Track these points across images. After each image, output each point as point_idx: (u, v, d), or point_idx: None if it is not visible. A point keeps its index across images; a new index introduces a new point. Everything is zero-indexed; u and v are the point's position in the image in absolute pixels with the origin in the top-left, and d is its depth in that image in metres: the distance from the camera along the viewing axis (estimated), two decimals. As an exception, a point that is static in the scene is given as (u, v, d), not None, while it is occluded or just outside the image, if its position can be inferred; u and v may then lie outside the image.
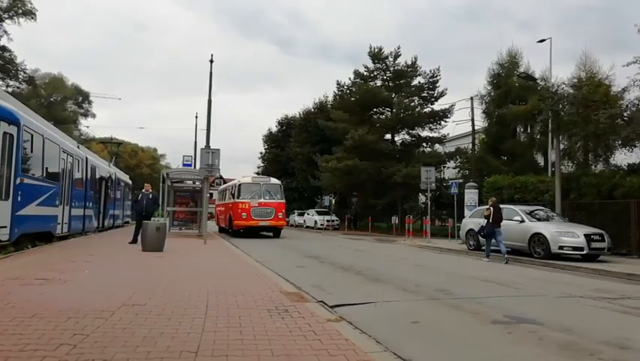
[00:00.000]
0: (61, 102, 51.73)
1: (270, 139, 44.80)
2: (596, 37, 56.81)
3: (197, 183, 20.38)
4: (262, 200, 20.36)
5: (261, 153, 46.14)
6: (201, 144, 32.08)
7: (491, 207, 12.74)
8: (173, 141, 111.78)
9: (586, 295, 7.20)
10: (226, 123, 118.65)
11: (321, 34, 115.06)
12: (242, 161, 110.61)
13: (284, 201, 21.66)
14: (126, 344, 3.47)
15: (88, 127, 54.04)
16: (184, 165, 29.70)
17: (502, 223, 12.81)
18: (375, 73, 31.57)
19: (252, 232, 21.18)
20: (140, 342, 3.54)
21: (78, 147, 17.05)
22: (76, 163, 15.51)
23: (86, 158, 17.36)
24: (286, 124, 43.24)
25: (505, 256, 12.25)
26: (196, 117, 36.11)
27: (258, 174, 37.03)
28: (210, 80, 20.83)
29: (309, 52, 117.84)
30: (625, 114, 15.54)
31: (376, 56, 30.93)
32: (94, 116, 55.32)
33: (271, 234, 21.94)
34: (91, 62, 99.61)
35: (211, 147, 16.86)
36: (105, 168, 22.08)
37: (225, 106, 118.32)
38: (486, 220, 12.83)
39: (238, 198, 20.46)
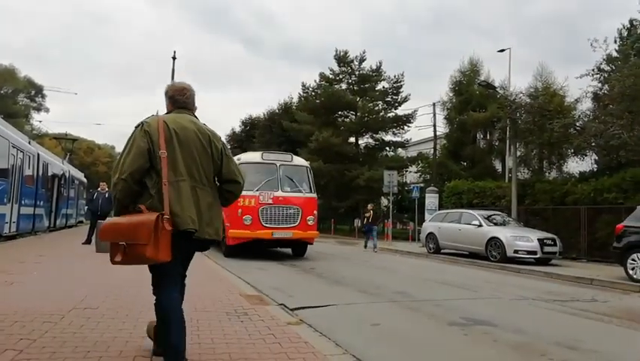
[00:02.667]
0: (12, 95, 49.45)
1: (233, 139, 44.30)
2: (554, 50, 59.40)
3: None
4: (280, 193, 11.56)
5: (223, 153, 45.44)
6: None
7: (371, 211, 17.14)
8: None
9: (538, 298, 7.45)
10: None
11: (288, 35, 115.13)
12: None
13: (315, 195, 12.48)
14: (76, 349, 3.32)
15: (40, 122, 51.71)
16: None
17: (460, 227, 14.20)
18: (341, 76, 31.80)
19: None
20: (91, 347, 3.39)
21: (29, 143, 16.30)
22: (26, 159, 14.83)
23: (38, 154, 16.63)
24: (250, 124, 42.89)
25: (375, 249, 16.53)
26: (157, 114, 35.21)
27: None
28: (172, 77, 20.41)
29: (275, 52, 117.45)
30: (577, 124, 16.26)
31: (342, 59, 31.17)
32: (47, 110, 53.24)
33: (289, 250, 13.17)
34: (46, 55, 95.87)
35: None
36: (58, 165, 21.21)
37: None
38: (366, 220, 16.97)
39: None
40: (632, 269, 9.35)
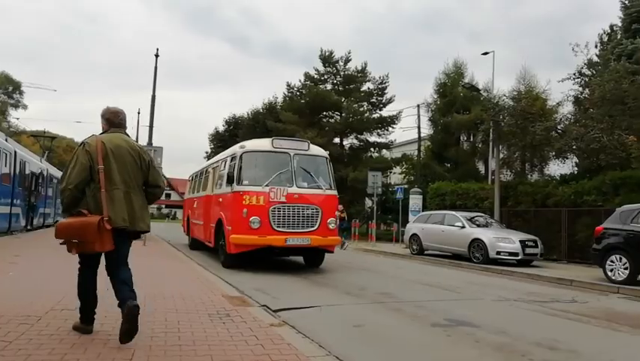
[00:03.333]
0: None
1: (217, 138, 44.02)
2: (538, 53, 60.23)
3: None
4: (294, 189, 9.22)
5: (207, 153, 45.25)
6: (143, 141, 30.95)
7: (343, 210, 18.46)
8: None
9: (520, 299, 7.53)
10: (170, 121, 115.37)
11: (275, 35, 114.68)
12: (186, 160, 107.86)
13: (336, 192, 10.17)
14: (53, 352, 3.25)
15: (18, 119, 50.61)
16: None
17: (443, 229, 14.39)
18: (326, 76, 31.79)
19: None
20: (68, 349, 3.32)
21: (6, 140, 15.93)
22: (2, 157, 14.50)
23: (15, 152, 16.24)
24: (234, 123, 42.67)
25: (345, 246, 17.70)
26: (138, 113, 34.75)
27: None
28: (155, 75, 20.11)
29: (261, 51, 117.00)
30: (559, 127, 16.51)
31: (327, 59, 31.17)
32: (25, 107, 51.99)
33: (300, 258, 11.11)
34: (26, 52, 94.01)
35: (153, 145, 16.31)
36: (36, 163, 20.76)
37: (170, 103, 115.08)
38: (339, 220, 19.01)
39: (239, 183, 9.27)
40: (611, 271, 9.51)
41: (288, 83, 32.75)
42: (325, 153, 10.55)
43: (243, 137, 37.98)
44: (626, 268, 9.25)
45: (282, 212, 8.95)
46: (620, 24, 21.06)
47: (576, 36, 73.28)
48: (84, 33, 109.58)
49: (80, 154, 3.51)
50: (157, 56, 20.05)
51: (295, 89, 32.53)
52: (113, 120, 3.80)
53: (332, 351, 3.76)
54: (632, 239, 9.29)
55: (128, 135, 3.86)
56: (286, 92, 33.46)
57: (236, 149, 9.96)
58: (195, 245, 13.74)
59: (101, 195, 3.43)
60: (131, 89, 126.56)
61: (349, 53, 31.01)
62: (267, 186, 9.01)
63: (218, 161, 11.70)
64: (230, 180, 9.34)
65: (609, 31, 22.78)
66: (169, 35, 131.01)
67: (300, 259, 11.14)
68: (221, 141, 42.66)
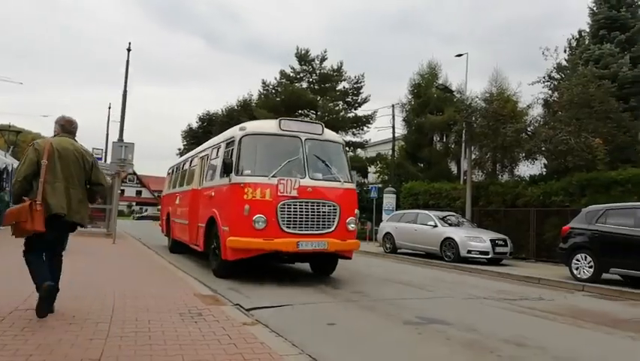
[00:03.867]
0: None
1: (190, 135, 43.54)
2: (510, 56, 61.48)
3: (107, 178, 18.60)
4: (307, 181, 7.66)
5: (179, 150, 44.67)
6: (114, 136, 30.29)
7: None
8: (82, 132, 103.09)
9: (489, 297, 7.69)
10: (143, 117, 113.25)
11: (250, 31, 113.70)
12: (158, 157, 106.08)
13: (355, 186, 8.65)
14: (17, 353, 3.15)
15: (-19, 112, 48.87)
16: None
17: (416, 228, 14.57)
18: (302, 75, 31.79)
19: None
20: (33, 350, 3.22)
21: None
22: (-35, 151, 13.96)
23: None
24: (207, 120, 42.29)
25: None
26: (109, 108, 34.07)
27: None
28: (127, 70, 19.71)
29: (236, 48, 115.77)
30: (529, 129, 16.91)
31: (303, 57, 31.17)
32: (-11, 101, 50.20)
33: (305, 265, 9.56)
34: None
35: (124, 141, 15.96)
36: (0, 158, 20.09)
37: (142, 99, 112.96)
38: None
39: (239, 173, 7.64)
40: (577, 269, 9.81)
41: (263, 80, 32.67)
42: (341, 139, 9.08)
43: (217, 134, 37.62)
44: (590, 267, 9.55)
45: (293, 209, 7.33)
46: (588, 30, 21.70)
47: (546, 40, 75.14)
48: (54, 25, 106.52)
49: (30, 152, 4.11)
50: (129, 50, 19.66)
51: (270, 86, 32.44)
52: (66, 127, 4.47)
53: (305, 350, 3.76)
54: (596, 238, 9.59)
55: (75, 141, 4.49)
56: (261, 90, 33.36)
57: (234, 131, 8.21)
58: (177, 248, 12.01)
59: (43, 185, 4.02)
60: (103, 83, 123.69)
61: (325, 52, 31.13)
62: (274, 177, 7.37)
63: (208, 148, 9.80)
64: (227, 170, 7.60)
65: (578, 36, 23.46)
66: (142, 30, 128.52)
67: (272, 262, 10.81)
68: (194, 137, 42.21)
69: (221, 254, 7.65)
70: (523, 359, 4.11)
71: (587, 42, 21.36)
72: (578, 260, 9.83)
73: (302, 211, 7.41)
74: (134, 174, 70.03)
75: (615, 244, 9.26)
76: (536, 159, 18.14)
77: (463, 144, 19.78)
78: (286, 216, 7.30)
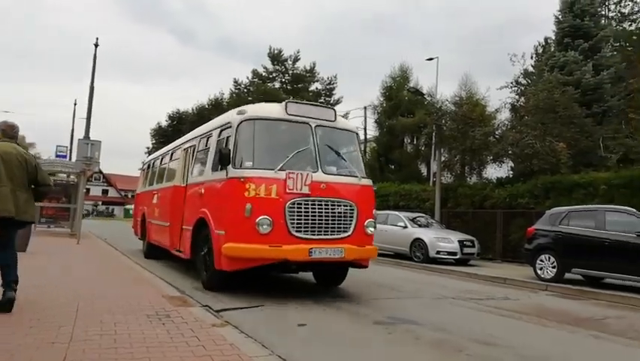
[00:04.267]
0: None
1: (159, 133, 42.79)
2: (479, 61, 62.86)
3: (72, 176, 17.92)
4: (320, 175, 6.42)
5: (148, 148, 43.87)
6: (80, 134, 29.49)
7: None
8: (46, 128, 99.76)
9: (457, 297, 7.82)
10: (110, 114, 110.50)
11: (222, 30, 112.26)
12: (126, 155, 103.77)
13: (371, 182, 7.46)
14: (-27, 358, 3.00)
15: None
16: (57, 156, 26.80)
17: (386, 228, 14.43)
18: (274, 75, 31.72)
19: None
20: (-9, 355, 3.08)
21: None
22: None
23: None
24: (178, 119, 41.64)
25: None
26: (75, 105, 32.98)
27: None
28: (94, 66, 19.22)
29: (209, 46, 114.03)
30: (496, 133, 17.33)
31: (276, 57, 31.11)
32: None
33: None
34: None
35: (91, 138, 15.54)
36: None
37: (110, 95, 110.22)
38: None
39: (239, 165, 6.36)
40: (541, 269, 10.08)
41: (235, 79, 32.50)
42: (355, 128, 7.92)
43: (187, 132, 37.06)
44: (554, 267, 9.83)
45: (304, 209, 6.14)
46: (553, 37, 22.40)
47: (514, 47, 77.28)
48: (18, 17, 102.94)
49: None
50: (96, 45, 19.18)
51: (242, 86, 32.26)
52: (8, 132, 4.68)
53: (275, 351, 3.73)
54: (559, 240, 9.89)
55: (18, 145, 4.70)
56: (233, 89, 33.14)
57: (231, 116, 7.02)
58: (153, 253, 10.54)
59: None
60: (68, 79, 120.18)
61: (298, 53, 31.18)
62: (281, 170, 6.15)
63: (195, 138, 8.54)
64: (223, 162, 6.31)
65: (544, 43, 24.20)
66: (111, 25, 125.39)
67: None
68: (163, 136, 41.53)
69: (213, 263, 6.38)
70: (492, 358, 4.19)
71: (552, 49, 22.05)
72: (542, 261, 10.11)
73: (314, 212, 6.19)
74: (101, 172, 68.32)
75: (577, 245, 9.57)
76: (503, 162, 18.62)
77: (433, 147, 20.10)
78: (296, 217, 6.09)
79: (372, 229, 6.83)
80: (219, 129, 7.21)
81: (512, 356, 4.27)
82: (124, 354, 3.30)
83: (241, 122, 6.57)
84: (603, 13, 22.88)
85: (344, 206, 6.47)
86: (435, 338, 4.79)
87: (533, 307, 7.23)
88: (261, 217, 5.95)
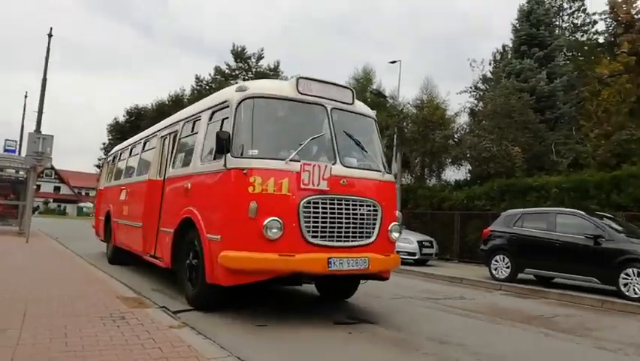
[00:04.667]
0: None
1: (116, 129, 41.58)
2: (440, 65, 64.25)
3: (21, 172, 17.07)
4: (339, 168, 5.33)
5: (104, 144, 42.56)
6: (30, 127, 28.27)
7: None
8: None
9: (415, 296, 7.98)
10: (63, 107, 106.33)
11: (184, 24, 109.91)
12: (80, 151, 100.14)
13: (393, 179, 6.30)
14: None
15: None
16: (6, 150, 25.54)
17: None
18: (237, 72, 31.40)
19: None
20: None
21: None
22: None
23: None
24: (136, 114, 40.56)
25: None
26: (25, 97, 31.51)
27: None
28: (47, 57, 18.45)
29: (170, 40, 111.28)
30: (455, 136, 17.80)
31: (239, 54, 30.82)
32: None
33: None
34: None
35: (42, 133, 14.90)
36: None
37: (64, 88, 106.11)
38: None
39: (240, 154, 5.12)
40: (495, 269, 10.41)
41: (197, 75, 32.02)
42: (373, 113, 6.68)
43: (146, 128, 36.19)
44: (508, 267, 10.18)
45: (322, 209, 5.06)
46: (511, 45, 23.19)
47: (474, 52, 79.54)
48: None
49: None
50: (50, 36, 18.43)
51: (204, 82, 31.79)
52: None
53: (234, 352, 3.68)
54: (514, 241, 10.25)
55: None
56: (195, 85, 32.63)
57: (228, 93, 5.80)
58: (120, 257, 9.24)
59: None
60: (18, 69, 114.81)
61: (262, 50, 31.00)
62: (293, 160, 5.05)
63: (177, 122, 7.19)
64: (220, 149, 5.06)
65: (502, 50, 25.02)
66: (65, 13, 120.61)
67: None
68: (120, 132, 40.41)
69: (204, 276, 5.25)
70: (447, 356, 4.28)
71: (509, 56, 22.83)
72: (496, 261, 10.44)
73: (334, 213, 5.12)
74: (53, 168, 65.68)
75: (529, 246, 9.94)
76: (462, 165, 19.15)
77: (395, 148, 20.42)
78: (312, 219, 5.00)
79: (397, 235, 5.89)
80: (210, 111, 6.01)
81: (466, 355, 4.39)
82: (75, 358, 3.18)
83: (242, 100, 5.38)
84: (557, 23, 23.90)
85: (367, 206, 5.44)
86: (393, 336, 4.86)
87: (488, 307, 7.45)
88: (269, 219, 4.82)
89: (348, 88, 6.16)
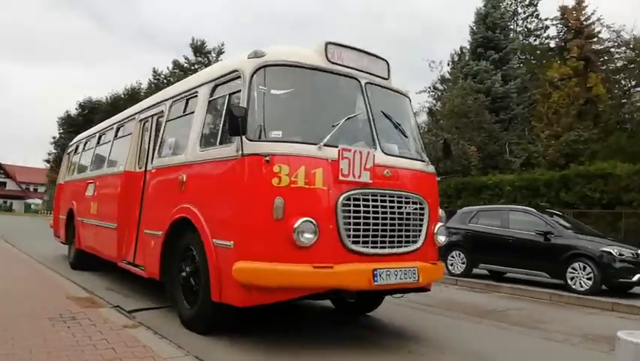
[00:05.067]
0: None
1: (68, 123, 39.99)
2: (400, 65, 65.27)
3: None
4: (380, 156, 4.31)
5: (54, 138, 40.86)
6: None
7: None
8: None
9: (375, 292, 8.05)
10: (7, 100, 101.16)
11: (141, 16, 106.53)
12: (26, 145, 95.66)
13: (434, 170, 5.11)
14: None
15: None
16: None
17: None
18: (197, 66, 30.82)
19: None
20: None
21: None
22: None
23: None
24: (90, 108, 39.12)
25: None
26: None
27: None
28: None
29: (128, 32, 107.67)
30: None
31: (198, 49, 30.31)
32: None
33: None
34: None
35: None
36: None
37: (9, 79, 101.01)
38: None
39: (259, 136, 4.03)
40: (451, 265, 10.69)
41: (154, 69, 31.29)
42: (405, 91, 5.43)
43: (100, 122, 34.99)
44: (463, 263, 10.47)
45: (363, 208, 4.09)
46: (468, 47, 23.82)
47: (433, 53, 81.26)
48: None
49: None
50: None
51: (162, 76, 31.03)
52: None
53: (191, 351, 3.60)
54: (469, 237, 10.56)
55: None
56: (152, 79, 31.83)
57: (239, 61, 4.53)
58: (85, 262, 8.06)
59: None
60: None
61: (222, 45, 30.62)
62: (328, 145, 4.06)
63: (164, 101, 5.93)
64: (235, 129, 3.96)
65: (459, 52, 25.66)
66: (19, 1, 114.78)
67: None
68: (72, 125, 38.86)
69: (207, 292, 4.17)
70: (400, 349, 4.35)
71: (467, 58, 23.44)
72: (453, 257, 10.72)
73: (377, 212, 4.15)
74: (1, 167, 62.55)
75: (484, 242, 10.26)
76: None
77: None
78: (353, 220, 4.02)
79: (444, 238, 4.93)
80: (211, 84, 4.81)
81: (421, 347, 4.47)
82: (21, 361, 3.03)
83: (258, 68, 4.26)
84: (512, 27, 24.71)
85: (413, 203, 4.51)
86: (358, 335, 4.89)
87: (443, 301, 7.62)
88: (301, 220, 3.80)
89: (383, 59, 5.09)
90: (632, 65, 18.18)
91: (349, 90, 4.64)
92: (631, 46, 17.62)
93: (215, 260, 4.12)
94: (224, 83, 4.64)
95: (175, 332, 4.25)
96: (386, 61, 5.04)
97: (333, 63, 4.51)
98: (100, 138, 8.49)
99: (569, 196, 13.50)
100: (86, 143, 9.37)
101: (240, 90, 4.24)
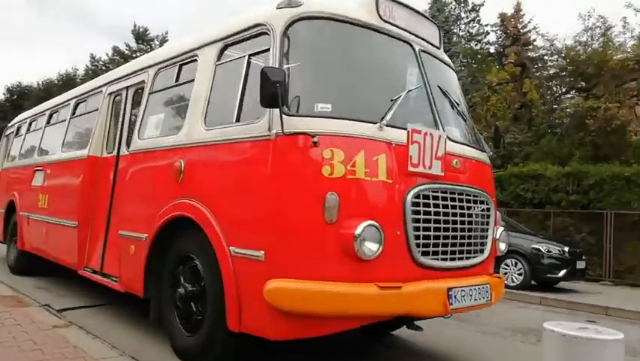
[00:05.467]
0: None
1: (-7, 109, 37.35)
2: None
3: None
4: (449, 139, 3.36)
5: (-20, 124, 38.04)
6: None
7: None
8: None
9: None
10: None
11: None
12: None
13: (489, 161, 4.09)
14: None
15: None
16: None
17: None
18: (138, 54, 29.61)
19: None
20: None
21: None
22: None
23: None
24: (19, 93, 36.75)
25: None
26: None
27: None
28: None
29: (63, 13, 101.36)
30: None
31: (141, 36, 29.22)
32: None
33: None
34: None
35: None
36: None
37: None
38: None
39: (295, 111, 2.93)
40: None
41: (92, 54, 29.84)
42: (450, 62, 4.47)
43: (30, 109, 32.95)
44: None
45: (433, 208, 3.19)
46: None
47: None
48: None
49: None
50: None
51: (101, 62, 29.67)
52: None
53: (126, 351, 3.47)
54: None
55: None
56: (89, 65, 30.36)
57: (266, 13, 3.36)
58: (29, 266, 6.88)
59: None
60: None
61: (167, 34, 29.65)
62: (391, 126, 3.10)
63: (145, 69, 4.69)
64: (272, 99, 2.76)
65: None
66: None
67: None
68: (0, 112, 36.32)
69: (220, 317, 3.15)
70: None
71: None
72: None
73: (447, 214, 3.28)
74: None
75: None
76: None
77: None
78: (423, 224, 3.13)
79: (505, 246, 4.02)
80: (219, 44, 3.68)
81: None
82: None
83: (294, 21, 3.18)
84: (455, 31, 25.59)
85: (481, 203, 3.63)
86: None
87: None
88: (364, 225, 2.81)
89: (436, 24, 4.24)
90: (564, 73, 19.33)
91: (402, 57, 3.70)
92: (562, 54, 18.71)
93: (234, 275, 3.04)
94: (239, 42, 3.55)
95: (109, 331, 4.08)
96: (438, 26, 4.24)
97: (385, 22, 3.54)
98: (51, 116, 7.07)
99: (504, 196, 14.17)
100: (31, 123, 7.90)
101: (266, 51, 3.19)
